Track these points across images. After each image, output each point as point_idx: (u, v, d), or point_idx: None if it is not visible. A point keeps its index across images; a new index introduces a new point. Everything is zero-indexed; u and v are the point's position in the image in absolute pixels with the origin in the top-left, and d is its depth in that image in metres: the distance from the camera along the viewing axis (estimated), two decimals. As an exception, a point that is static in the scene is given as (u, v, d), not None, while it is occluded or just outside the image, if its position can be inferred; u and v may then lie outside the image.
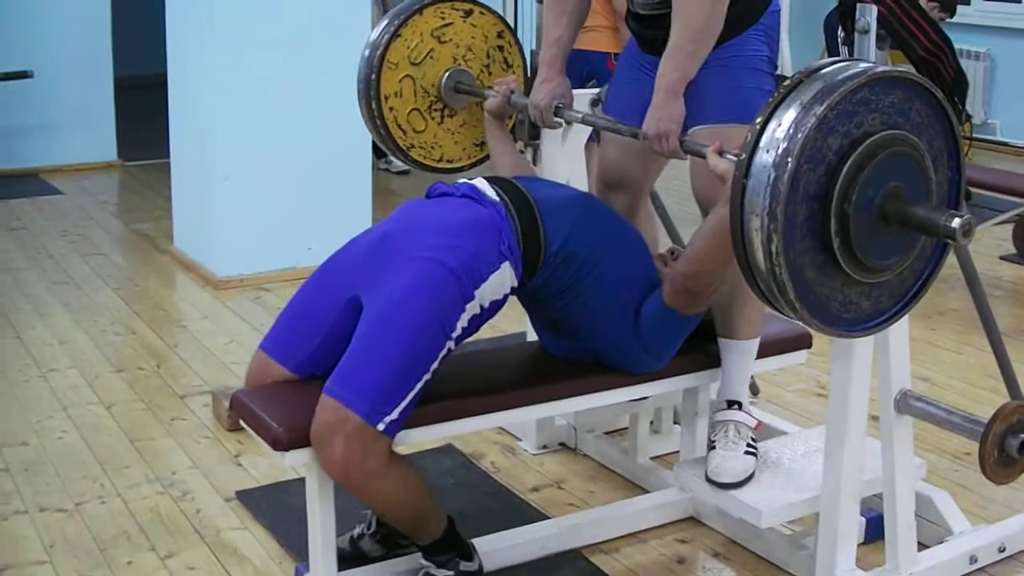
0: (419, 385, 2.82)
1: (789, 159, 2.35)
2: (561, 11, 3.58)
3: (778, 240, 2.37)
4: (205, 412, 4.32)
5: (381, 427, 2.75)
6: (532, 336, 3.63)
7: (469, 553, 3.13)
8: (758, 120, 2.42)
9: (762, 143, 2.40)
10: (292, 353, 3.04)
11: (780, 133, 2.38)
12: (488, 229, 2.99)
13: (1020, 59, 9.37)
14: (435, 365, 2.85)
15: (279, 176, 6.00)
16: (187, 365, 4.90)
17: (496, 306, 3.01)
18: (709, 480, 3.28)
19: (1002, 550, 3.38)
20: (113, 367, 4.86)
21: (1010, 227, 6.63)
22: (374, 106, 3.75)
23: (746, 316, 3.33)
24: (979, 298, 3.32)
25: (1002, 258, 6.63)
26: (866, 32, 2.74)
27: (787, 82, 2.45)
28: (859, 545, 3.18)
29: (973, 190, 6.24)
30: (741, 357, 3.40)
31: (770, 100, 2.44)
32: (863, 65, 2.47)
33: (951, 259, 3.17)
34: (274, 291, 5.81)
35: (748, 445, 3.33)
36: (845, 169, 2.41)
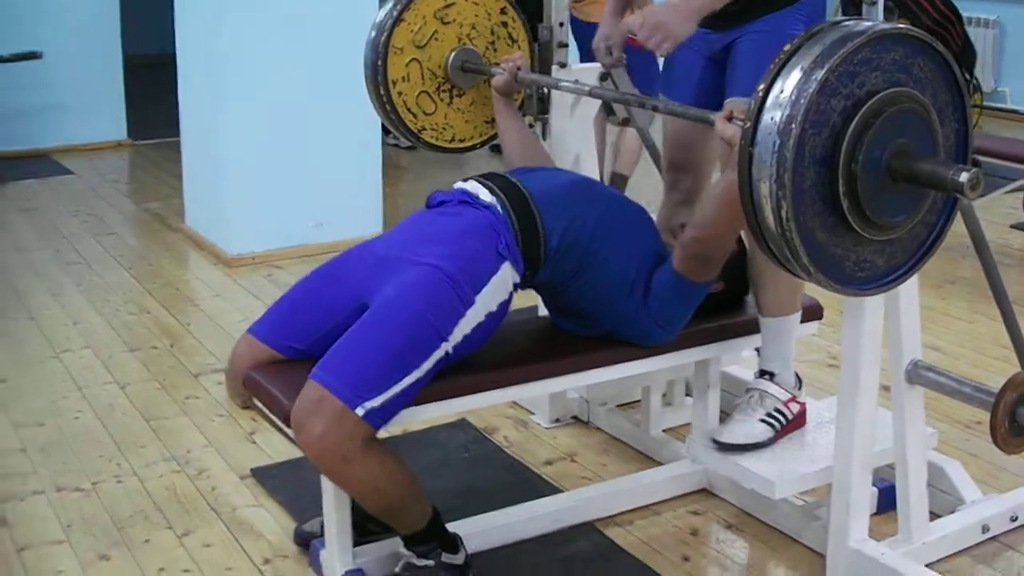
0: (407, 380, 2.81)
1: (793, 125, 2.35)
2: None
3: (788, 206, 2.38)
4: (219, 390, 4.34)
5: (360, 412, 2.75)
6: (543, 311, 3.64)
7: (455, 545, 3.09)
8: (760, 87, 2.42)
9: (766, 110, 2.40)
10: (287, 342, 3.05)
11: (783, 99, 2.37)
12: (484, 231, 3.00)
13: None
14: (428, 364, 2.84)
15: (289, 153, 6.01)
16: (200, 343, 4.92)
17: (504, 307, 3.01)
18: (715, 440, 3.35)
19: (1014, 519, 3.39)
20: (127, 346, 4.88)
21: (1020, 195, 6.62)
22: (382, 92, 3.76)
23: (773, 294, 3.36)
24: (989, 266, 3.31)
25: (1013, 226, 6.62)
26: (874, 3, 2.74)
27: (787, 47, 2.44)
28: (872, 515, 3.19)
29: (983, 159, 6.24)
30: (771, 333, 3.44)
31: (771, 66, 2.43)
32: (863, 25, 2.46)
33: (961, 227, 3.18)
34: (286, 268, 5.83)
35: (768, 415, 3.37)
36: (850, 130, 2.41)
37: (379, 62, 3.74)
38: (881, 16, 2.73)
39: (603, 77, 3.79)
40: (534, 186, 3.13)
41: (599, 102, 3.88)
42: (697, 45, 3.42)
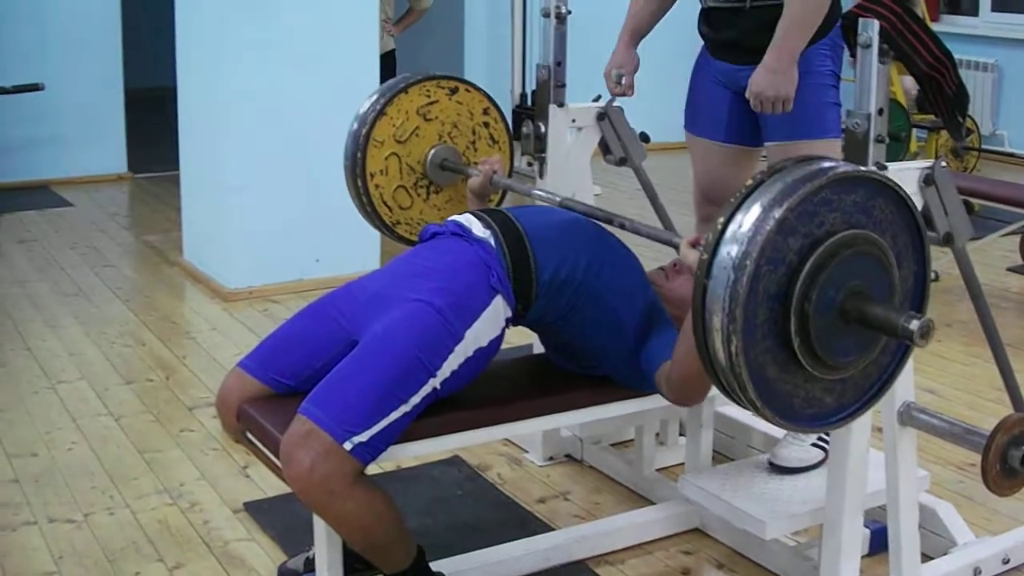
0: (395, 415, 2.80)
1: (748, 261, 2.34)
2: None
3: (737, 341, 2.37)
4: (214, 424, 4.33)
5: (348, 447, 2.74)
6: (538, 348, 3.65)
7: None
8: (720, 220, 2.41)
9: (723, 244, 2.39)
10: (278, 377, 3.05)
11: (740, 234, 2.36)
12: (476, 266, 3.01)
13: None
14: (416, 400, 2.83)
15: (288, 188, 6.03)
16: (196, 377, 4.92)
17: (496, 343, 3.01)
18: (771, 463, 3.44)
19: (1006, 562, 3.39)
20: (122, 379, 4.89)
21: (1017, 239, 6.63)
22: (360, 183, 3.76)
23: None
24: (982, 310, 3.31)
25: (1009, 269, 6.63)
26: (868, 47, 2.75)
27: (749, 182, 2.45)
28: (863, 557, 3.19)
29: (981, 202, 6.27)
30: None
31: (732, 199, 2.43)
32: (825, 164, 2.46)
33: (956, 271, 3.19)
34: (283, 303, 5.84)
35: (820, 438, 3.45)
36: (805, 270, 2.40)
37: (358, 154, 3.75)
38: (876, 59, 2.74)
39: (600, 117, 3.82)
40: (528, 221, 3.14)
41: (595, 141, 3.90)
42: (724, 79, 3.51)
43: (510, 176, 3.89)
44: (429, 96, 3.79)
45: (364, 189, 3.77)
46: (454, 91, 3.84)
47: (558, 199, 3.44)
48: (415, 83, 3.78)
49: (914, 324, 2.43)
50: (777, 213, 2.35)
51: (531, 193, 3.59)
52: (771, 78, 3.35)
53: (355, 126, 3.77)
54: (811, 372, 2.48)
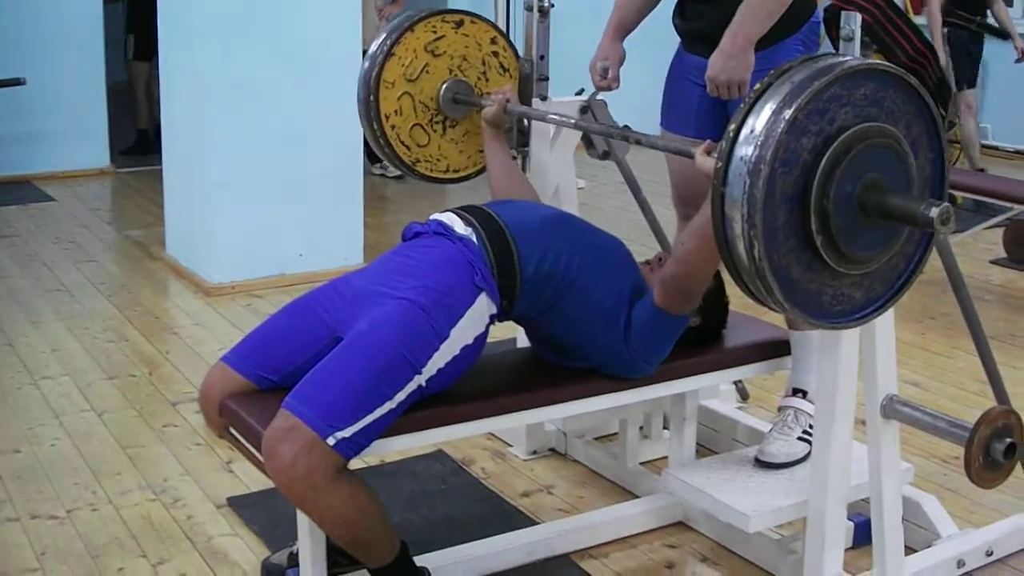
0: (379, 411, 2.79)
1: (763, 165, 2.36)
2: None
3: (759, 245, 2.39)
4: (197, 419, 4.32)
5: (331, 442, 2.73)
6: (522, 342, 3.65)
7: None
8: (731, 127, 2.43)
9: (737, 149, 2.41)
10: (261, 372, 3.04)
11: (753, 138, 2.39)
12: (459, 265, 3.00)
13: (1012, 64, 9.36)
14: (401, 397, 2.83)
15: (271, 183, 6.02)
16: (179, 372, 4.91)
17: (481, 340, 3.00)
18: (757, 460, 3.42)
19: (989, 554, 3.39)
20: (105, 374, 4.87)
21: (1000, 231, 6.65)
22: (376, 126, 3.77)
23: None
24: (965, 302, 3.33)
25: (992, 262, 6.65)
26: (850, 39, 2.75)
27: (757, 86, 2.46)
28: (847, 550, 3.20)
29: (964, 195, 6.28)
30: (804, 347, 3.50)
31: (741, 105, 2.46)
32: (833, 61, 2.48)
33: (939, 263, 3.20)
34: (266, 297, 5.83)
35: (804, 432, 3.45)
36: (820, 167, 2.42)
37: (371, 97, 3.75)
38: (857, 52, 2.74)
39: (583, 110, 3.81)
40: (510, 217, 3.13)
41: (579, 135, 3.89)
42: (695, 74, 3.49)
43: (523, 101, 3.90)
44: (435, 32, 3.80)
45: (380, 131, 3.78)
46: (460, 24, 3.85)
47: (573, 121, 3.46)
48: (420, 20, 3.79)
49: (934, 211, 2.44)
50: (787, 114, 2.37)
51: (546, 118, 3.60)
52: (724, 62, 3.32)
53: (365, 70, 3.78)
54: (836, 269, 2.51)
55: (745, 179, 2.37)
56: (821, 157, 2.42)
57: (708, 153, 2.91)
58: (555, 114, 3.67)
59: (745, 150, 2.39)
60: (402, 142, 3.82)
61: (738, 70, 3.30)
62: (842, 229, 2.46)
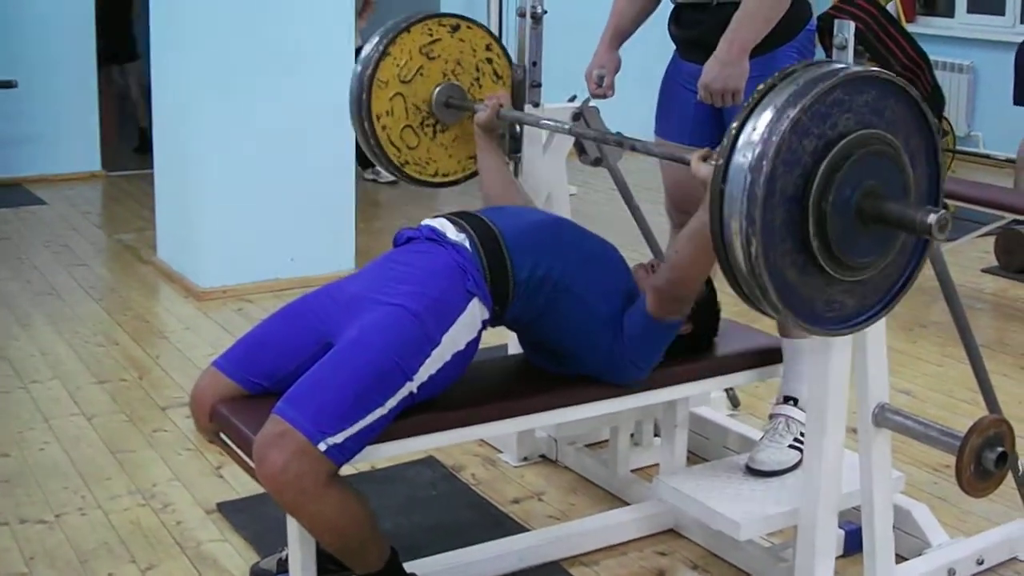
0: (370, 418, 2.79)
1: (764, 162, 2.36)
2: None
3: (757, 243, 2.39)
4: (187, 424, 4.31)
5: (322, 447, 2.72)
6: (513, 348, 3.64)
7: None
8: (734, 125, 2.44)
9: (738, 148, 2.41)
10: (252, 378, 3.03)
11: (755, 137, 2.39)
12: (452, 271, 3.00)
13: (1003, 72, 9.35)
14: (392, 403, 2.82)
15: (262, 187, 6.01)
16: (169, 376, 4.90)
17: (472, 346, 3.00)
18: (748, 467, 3.42)
19: (980, 562, 3.39)
20: (95, 378, 4.86)
21: (992, 239, 6.66)
22: (366, 125, 3.76)
23: None
24: (957, 311, 3.32)
25: (984, 270, 6.65)
26: (844, 48, 2.75)
27: (761, 86, 2.47)
28: (838, 558, 3.19)
29: (956, 203, 6.29)
30: (796, 355, 3.49)
31: (746, 104, 2.46)
32: (836, 66, 2.49)
33: (931, 271, 3.19)
34: (256, 302, 5.82)
35: (796, 440, 3.44)
36: (821, 170, 2.43)
37: (363, 95, 3.74)
38: (851, 60, 2.74)
39: (575, 117, 3.81)
40: (503, 223, 3.13)
41: (571, 141, 3.89)
42: (690, 82, 3.49)
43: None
44: (431, 34, 3.80)
45: (371, 131, 3.77)
46: (456, 28, 3.84)
47: (567, 127, 3.45)
48: (416, 22, 3.79)
49: (931, 217, 2.46)
50: (791, 114, 2.38)
51: (539, 123, 3.60)
52: (719, 70, 3.32)
53: (359, 68, 3.77)
54: (831, 274, 2.51)
55: (746, 175, 2.37)
56: (822, 160, 2.43)
57: (704, 159, 2.91)
58: (548, 119, 3.66)
59: (747, 148, 2.39)
60: (392, 143, 3.81)
61: (733, 77, 3.30)
62: (839, 233, 2.46)
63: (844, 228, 2.48)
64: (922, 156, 2.61)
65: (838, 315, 2.61)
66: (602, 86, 3.78)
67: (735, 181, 2.40)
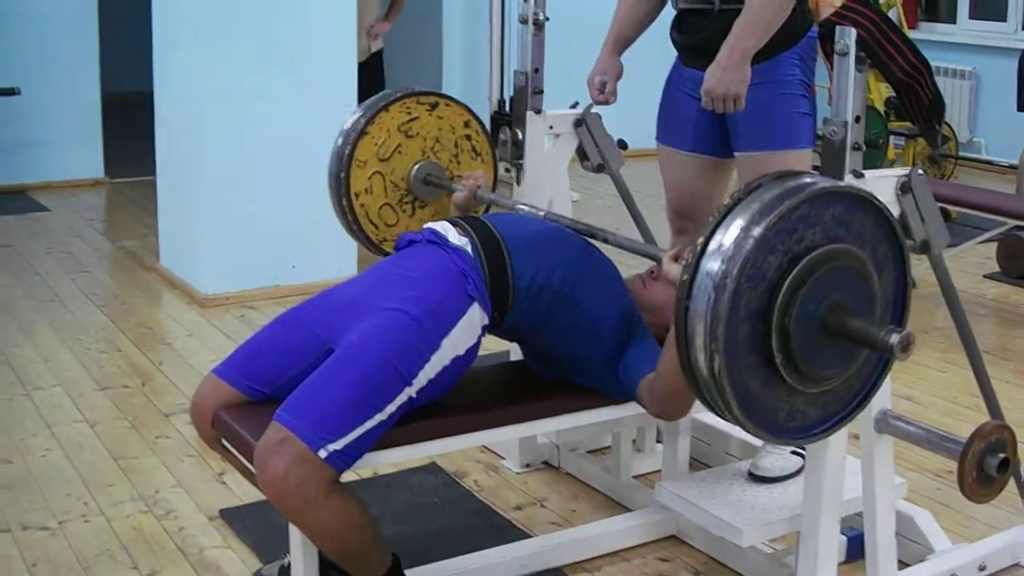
0: (370, 424, 2.79)
1: (728, 280, 2.34)
2: None
3: (720, 359, 2.37)
4: (189, 430, 4.31)
5: (323, 455, 2.73)
6: (515, 355, 3.64)
7: None
8: (699, 240, 2.42)
9: (703, 264, 2.40)
10: (253, 384, 3.04)
11: (720, 254, 2.38)
12: (452, 275, 3.00)
13: (1006, 78, 9.37)
14: (391, 408, 2.82)
15: (264, 194, 6.01)
16: (172, 383, 4.90)
17: (472, 351, 3.00)
18: (751, 473, 3.42)
19: (982, 568, 3.39)
20: (98, 385, 4.86)
21: (994, 245, 6.66)
22: (345, 203, 3.75)
23: None
24: (959, 317, 3.32)
25: (986, 276, 6.65)
26: (845, 54, 2.75)
27: (727, 200, 2.46)
28: (840, 564, 3.19)
29: (958, 209, 6.29)
30: None
31: (712, 217, 2.44)
32: (804, 181, 2.47)
33: (933, 278, 3.20)
34: (259, 309, 5.82)
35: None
36: (785, 286, 2.41)
37: (342, 174, 3.73)
38: (853, 67, 2.74)
39: (577, 123, 3.82)
40: (505, 229, 3.13)
41: (572, 147, 3.90)
42: (693, 88, 3.49)
43: (494, 187, 3.88)
44: (410, 113, 3.79)
45: (350, 208, 3.76)
46: (434, 106, 3.83)
47: (542, 213, 3.44)
48: (395, 101, 3.77)
49: (894, 338, 2.44)
50: (756, 232, 2.36)
51: (516, 207, 3.58)
52: (720, 75, 3.32)
53: (338, 143, 3.76)
54: (794, 387, 2.49)
55: (710, 293, 2.36)
56: (787, 276, 2.41)
57: (675, 259, 2.90)
58: (524, 204, 3.62)
59: (712, 264, 2.37)
60: (371, 220, 3.80)
61: (734, 83, 3.30)
62: (802, 348, 2.45)
63: (808, 342, 2.46)
64: (889, 264, 2.60)
65: (800, 424, 2.58)
66: (604, 92, 3.78)
67: (699, 297, 2.38)
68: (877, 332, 2.46)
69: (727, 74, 3.31)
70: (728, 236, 2.38)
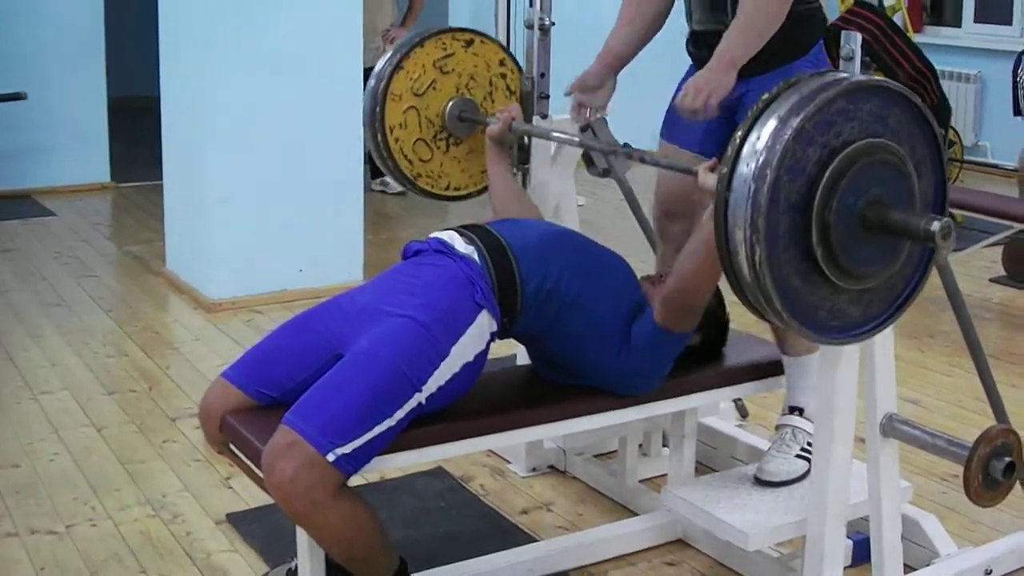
0: (379, 428, 2.79)
1: (768, 171, 2.37)
2: (634, 14, 3.69)
3: (761, 251, 2.40)
4: (197, 434, 4.32)
5: (331, 458, 2.73)
6: (522, 359, 3.64)
7: None
8: (738, 134, 2.45)
9: (742, 157, 2.42)
10: (261, 389, 3.04)
11: (759, 145, 2.41)
12: (460, 283, 3.01)
13: (1011, 82, 9.38)
14: (401, 414, 2.83)
15: (271, 199, 6.02)
16: (179, 388, 4.91)
17: (481, 358, 3.01)
18: (757, 478, 3.42)
19: (988, 572, 3.39)
20: (105, 389, 4.87)
21: (1000, 249, 6.65)
22: (379, 138, 3.78)
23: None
24: (964, 321, 3.32)
25: (992, 280, 6.65)
26: (851, 59, 2.76)
27: (766, 96, 2.47)
28: (846, 568, 3.19)
29: (963, 213, 6.29)
30: (798, 370, 3.51)
31: (750, 113, 2.47)
32: (841, 75, 2.50)
33: (938, 281, 3.20)
34: (266, 313, 5.83)
35: (803, 450, 3.45)
36: (824, 178, 2.44)
37: (377, 108, 3.77)
38: (858, 70, 2.75)
39: (583, 128, 3.82)
40: (512, 235, 3.14)
41: (579, 152, 3.90)
42: None
43: (529, 121, 3.90)
44: (445, 49, 3.82)
45: (384, 143, 3.80)
46: (470, 43, 3.87)
47: (578, 140, 3.46)
48: (431, 36, 3.82)
49: (935, 225, 2.47)
50: (795, 123, 2.39)
51: (551, 135, 3.61)
52: (705, 74, 3.28)
53: (373, 82, 3.80)
54: (835, 283, 2.52)
55: (750, 184, 2.38)
56: (826, 168, 2.44)
57: (712, 170, 2.91)
58: (559, 132, 3.67)
59: (751, 156, 2.40)
60: (405, 155, 3.83)
61: (712, 83, 3.24)
62: (842, 242, 2.47)
63: (848, 236, 2.49)
64: (927, 165, 2.62)
65: (843, 324, 2.61)
66: (579, 113, 3.68)
67: (739, 190, 2.41)
68: (917, 221, 2.48)
69: (711, 74, 3.27)
70: (767, 129, 2.42)
